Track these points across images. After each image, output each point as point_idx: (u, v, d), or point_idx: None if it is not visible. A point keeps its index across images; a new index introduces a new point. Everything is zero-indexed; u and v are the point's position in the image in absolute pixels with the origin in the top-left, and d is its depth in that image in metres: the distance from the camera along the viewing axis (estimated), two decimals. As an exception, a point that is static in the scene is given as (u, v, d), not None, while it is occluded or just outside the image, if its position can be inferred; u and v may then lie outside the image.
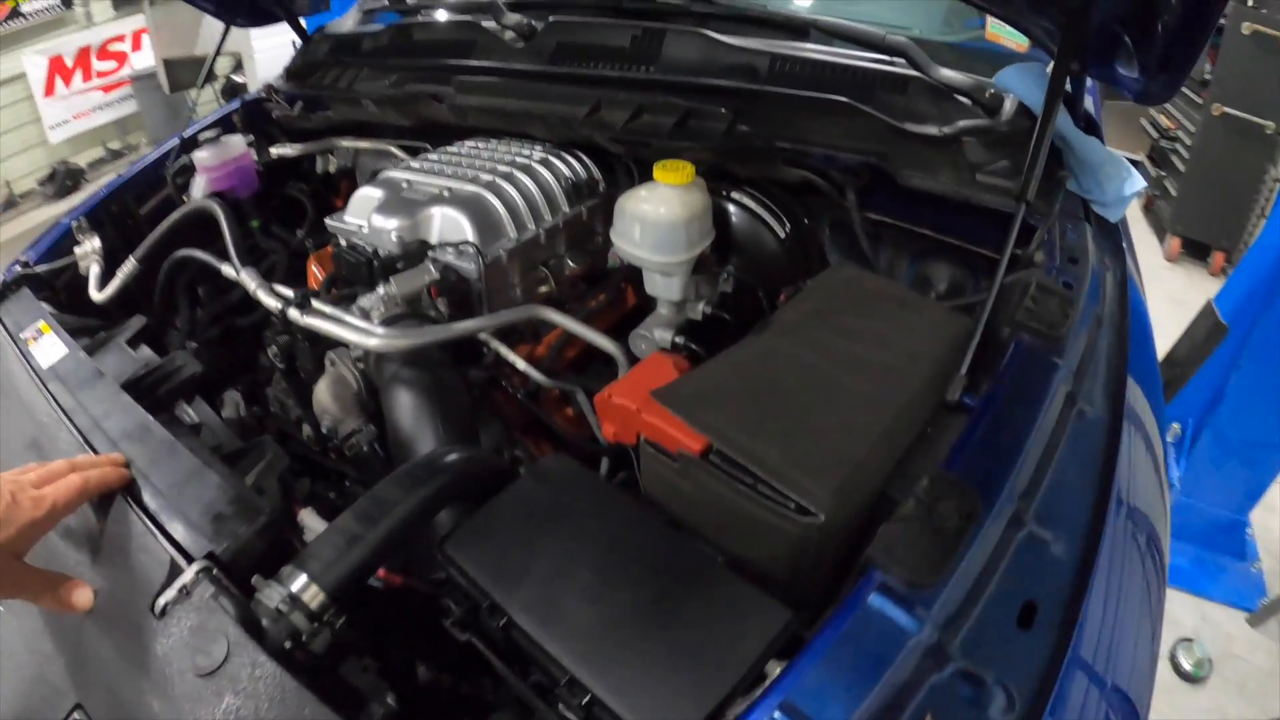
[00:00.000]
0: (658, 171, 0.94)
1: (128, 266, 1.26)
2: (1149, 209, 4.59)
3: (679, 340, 1.01)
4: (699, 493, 0.62)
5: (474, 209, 1.06)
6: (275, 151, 1.59)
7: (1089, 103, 1.12)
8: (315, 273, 1.36)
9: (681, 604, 0.56)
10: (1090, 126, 1.05)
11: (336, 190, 1.70)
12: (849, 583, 0.55)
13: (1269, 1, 3.92)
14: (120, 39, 5.26)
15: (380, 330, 0.91)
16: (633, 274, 1.15)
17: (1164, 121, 4.37)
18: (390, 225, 1.06)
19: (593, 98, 1.12)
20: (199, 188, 1.45)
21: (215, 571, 0.60)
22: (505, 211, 1.09)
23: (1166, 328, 1.91)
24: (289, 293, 1.02)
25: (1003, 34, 1.15)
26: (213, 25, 4.38)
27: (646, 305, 1.17)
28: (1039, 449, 0.65)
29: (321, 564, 0.59)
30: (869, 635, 0.49)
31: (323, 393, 1.02)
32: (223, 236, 1.17)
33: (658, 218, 0.94)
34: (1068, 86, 0.91)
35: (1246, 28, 3.38)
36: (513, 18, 1.27)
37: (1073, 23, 0.86)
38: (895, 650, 0.48)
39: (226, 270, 1.14)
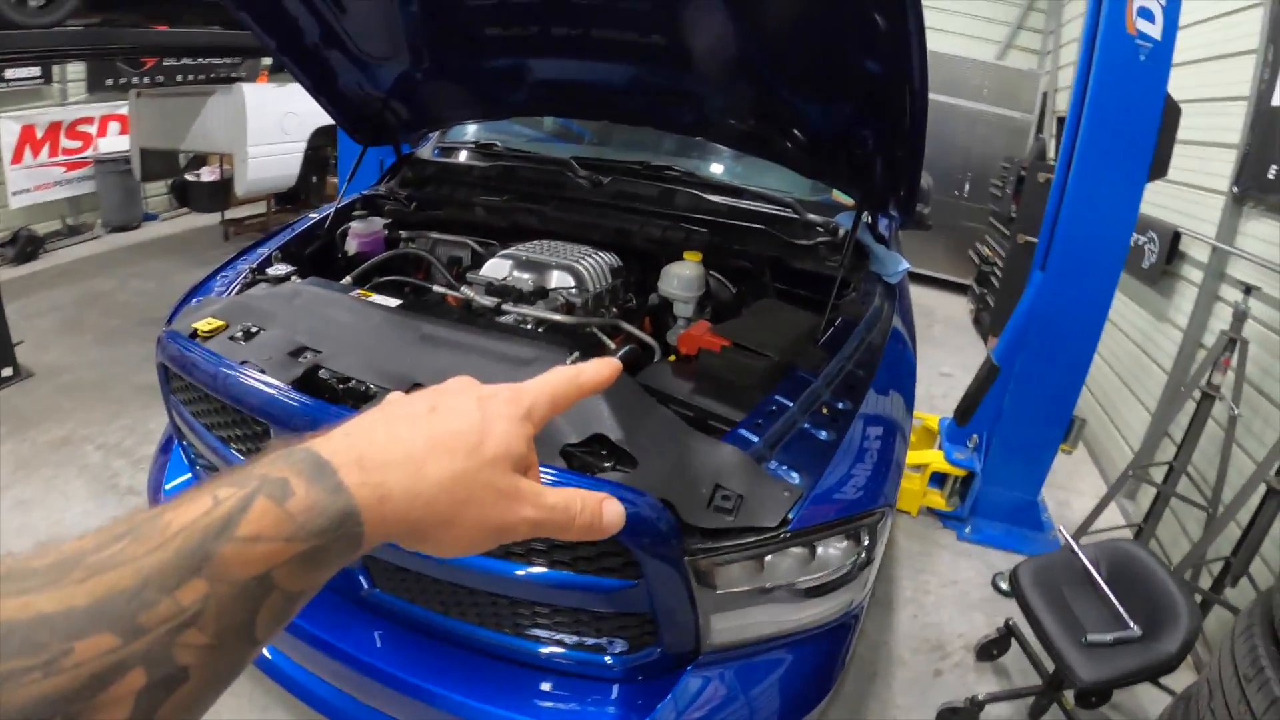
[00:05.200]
0: (687, 255, 2.21)
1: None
2: (976, 320, 6.44)
3: None
4: (725, 363, 1.84)
5: (574, 273, 2.27)
6: (401, 233, 2.78)
7: (883, 229, 2.57)
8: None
9: (727, 395, 1.76)
10: (881, 240, 2.48)
11: (416, 266, 2.89)
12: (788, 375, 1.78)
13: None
14: (89, 121, 6.17)
15: (558, 316, 2.09)
16: (652, 314, 2.41)
17: (986, 252, 6.33)
18: (527, 276, 2.24)
19: (638, 221, 2.43)
20: (350, 246, 2.55)
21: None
22: (589, 277, 2.30)
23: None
24: (493, 301, 2.18)
25: (841, 196, 2.60)
26: (199, 130, 5.37)
27: (657, 330, 2.43)
28: (851, 350, 1.92)
29: None
30: (797, 382, 1.71)
31: None
32: (439, 272, 2.37)
33: (686, 275, 2.20)
34: (866, 220, 2.32)
35: (1041, 177, 5.24)
36: (584, 173, 2.62)
37: (867, 195, 2.26)
38: (804, 389, 1.70)
39: (438, 290, 2.30)
